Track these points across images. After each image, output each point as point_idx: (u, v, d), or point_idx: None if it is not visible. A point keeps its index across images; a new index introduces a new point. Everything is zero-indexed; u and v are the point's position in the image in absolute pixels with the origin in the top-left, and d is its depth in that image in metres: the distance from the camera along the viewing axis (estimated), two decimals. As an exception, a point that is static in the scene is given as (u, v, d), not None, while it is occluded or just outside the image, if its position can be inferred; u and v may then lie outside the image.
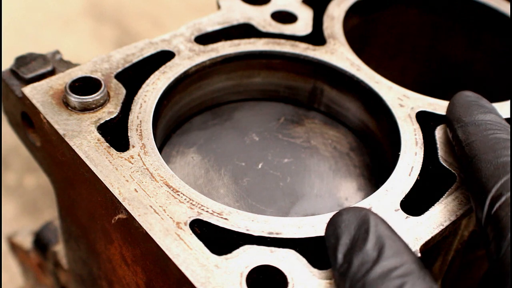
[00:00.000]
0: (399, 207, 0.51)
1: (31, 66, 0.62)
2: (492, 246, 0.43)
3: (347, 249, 0.42)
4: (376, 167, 0.66)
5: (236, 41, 0.67)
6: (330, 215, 0.49)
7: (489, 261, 0.44)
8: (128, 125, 0.56)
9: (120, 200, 0.49)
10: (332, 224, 0.45)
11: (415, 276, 0.40)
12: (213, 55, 0.65)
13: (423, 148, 0.57)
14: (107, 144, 0.53)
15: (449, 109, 0.55)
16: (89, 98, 0.56)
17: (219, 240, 0.47)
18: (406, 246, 0.42)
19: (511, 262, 0.41)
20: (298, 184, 0.62)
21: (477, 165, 0.48)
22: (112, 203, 0.50)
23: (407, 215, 0.50)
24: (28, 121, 0.62)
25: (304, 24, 0.71)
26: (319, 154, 0.66)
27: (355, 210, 0.44)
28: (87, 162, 0.52)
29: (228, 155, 0.65)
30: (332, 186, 0.63)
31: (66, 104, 0.57)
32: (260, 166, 0.64)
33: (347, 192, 0.63)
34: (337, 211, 0.46)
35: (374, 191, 0.53)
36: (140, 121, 0.56)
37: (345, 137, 0.69)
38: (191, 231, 0.47)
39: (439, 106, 0.61)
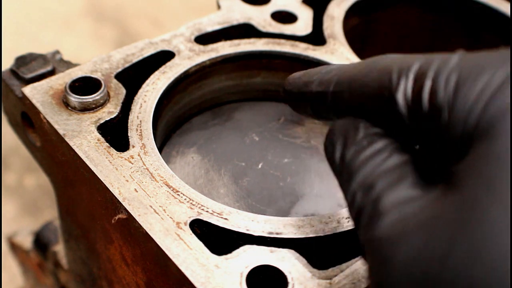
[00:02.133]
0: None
1: (31, 66, 0.62)
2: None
3: (342, 149, 0.41)
4: None
5: (236, 41, 0.67)
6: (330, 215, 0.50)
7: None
8: (128, 125, 0.56)
9: (120, 200, 0.49)
10: (328, 135, 0.43)
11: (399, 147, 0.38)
12: (213, 55, 0.65)
13: (423, 148, 0.57)
14: (107, 144, 0.53)
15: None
16: (89, 98, 0.56)
17: (219, 240, 0.47)
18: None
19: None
20: (298, 184, 0.62)
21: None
22: (112, 203, 0.50)
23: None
24: (28, 121, 0.62)
25: (304, 24, 0.71)
26: (319, 154, 0.66)
27: (347, 117, 0.42)
28: (87, 162, 0.52)
29: (228, 155, 0.64)
30: (332, 186, 0.63)
31: (66, 104, 0.57)
32: (260, 166, 0.64)
33: (347, 192, 0.62)
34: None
35: (374, 191, 0.53)
36: (140, 121, 0.56)
37: (345, 137, 0.69)
38: (191, 231, 0.47)
39: (439, 106, 0.61)
